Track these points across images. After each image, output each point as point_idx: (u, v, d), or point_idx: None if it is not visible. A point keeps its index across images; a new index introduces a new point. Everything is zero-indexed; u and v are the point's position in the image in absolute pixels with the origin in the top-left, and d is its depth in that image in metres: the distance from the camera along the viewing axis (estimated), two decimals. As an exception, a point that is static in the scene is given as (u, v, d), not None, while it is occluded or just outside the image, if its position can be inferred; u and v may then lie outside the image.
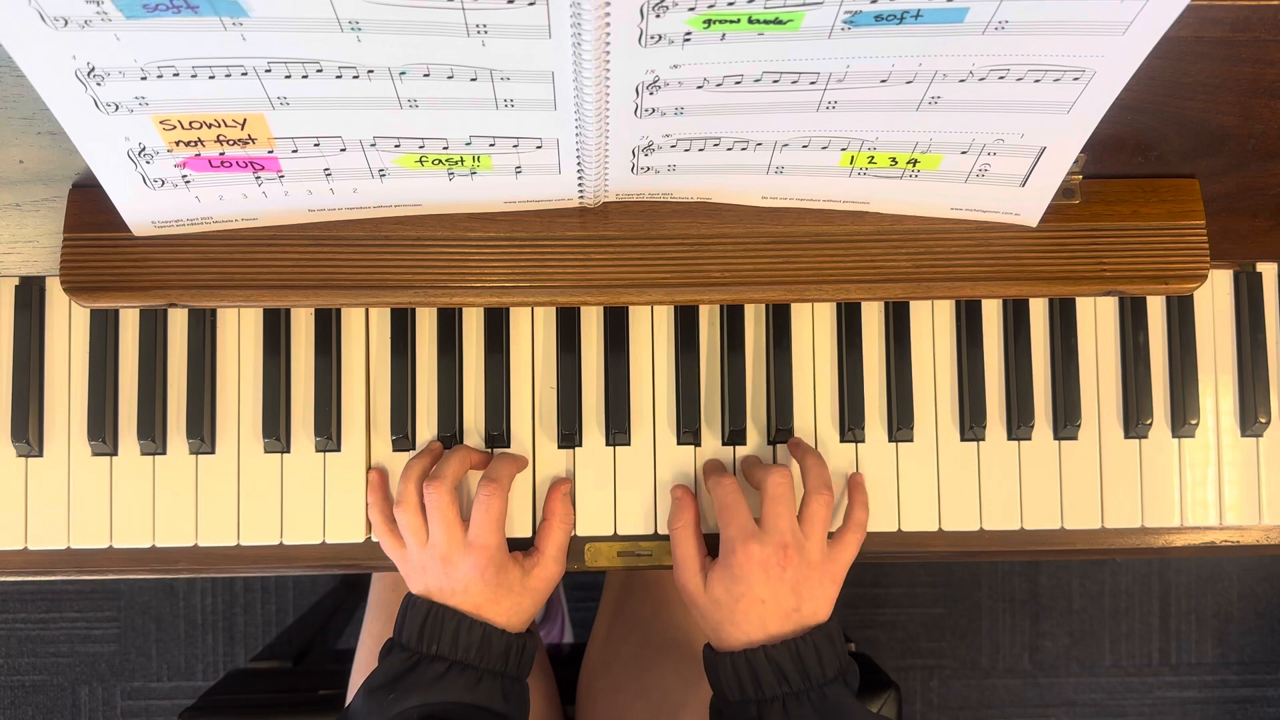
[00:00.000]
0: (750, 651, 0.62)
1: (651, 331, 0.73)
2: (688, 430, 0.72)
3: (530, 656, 0.68)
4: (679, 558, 0.68)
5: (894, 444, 0.73)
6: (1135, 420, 0.73)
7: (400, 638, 0.65)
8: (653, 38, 0.51)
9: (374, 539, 0.71)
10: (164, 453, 0.71)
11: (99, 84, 0.53)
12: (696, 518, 0.70)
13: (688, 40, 0.51)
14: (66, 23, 0.49)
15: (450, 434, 0.71)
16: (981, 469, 0.73)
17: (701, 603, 0.66)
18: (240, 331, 0.72)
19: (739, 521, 0.65)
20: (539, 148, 0.60)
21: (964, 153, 0.62)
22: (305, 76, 0.53)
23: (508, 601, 0.66)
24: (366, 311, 0.72)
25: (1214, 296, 0.74)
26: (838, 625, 0.65)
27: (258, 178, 0.61)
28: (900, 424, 0.72)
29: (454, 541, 0.66)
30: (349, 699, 0.82)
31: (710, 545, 0.69)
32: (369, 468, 0.72)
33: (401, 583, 0.81)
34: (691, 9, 0.49)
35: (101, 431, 0.71)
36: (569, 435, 0.72)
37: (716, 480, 0.67)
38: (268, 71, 0.53)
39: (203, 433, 0.71)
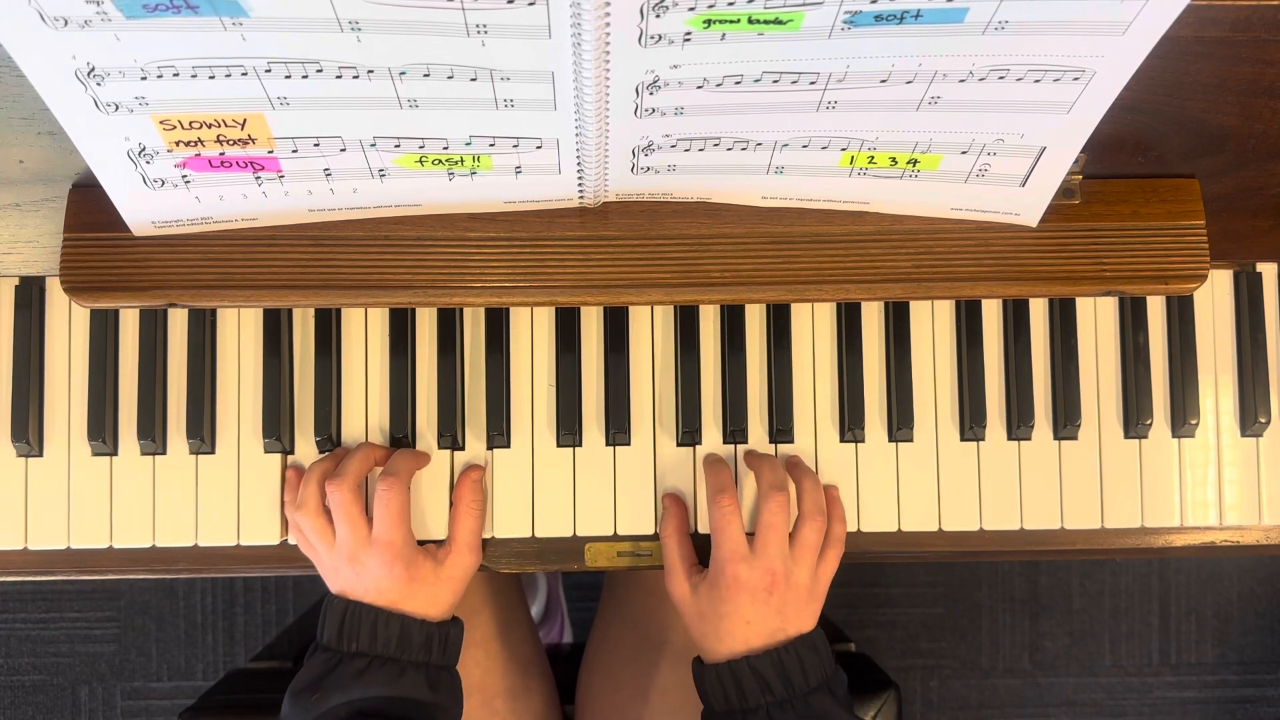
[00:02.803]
0: (734, 662, 0.63)
1: (651, 331, 0.73)
2: (688, 430, 0.72)
3: (455, 644, 0.67)
4: (667, 563, 0.69)
5: (894, 444, 0.73)
6: (1135, 420, 0.73)
7: (321, 639, 0.65)
8: (653, 38, 0.51)
9: (290, 540, 0.70)
10: (164, 453, 0.71)
11: (99, 84, 0.53)
12: (685, 524, 0.70)
13: (688, 40, 0.51)
14: (66, 23, 0.49)
15: (450, 434, 0.71)
16: (981, 469, 0.73)
17: (688, 611, 0.67)
18: (240, 331, 0.72)
19: (731, 544, 0.65)
20: (539, 148, 0.60)
21: (964, 153, 0.62)
22: (305, 76, 0.53)
23: (423, 594, 0.66)
24: (366, 311, 0.72)
25: (1214, 296, 0.74)
26: (822, 635, 0.66)
27: (258, 178, 0.61)
28: (900, 424, 0.72)
29: (359, 539, 0.65)
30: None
31: (702, 544, 0.70)
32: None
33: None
34: (691, 9, 0.49)
35: (101, 431, 0.71)
36: (569, 435, 0.72)
37: (716, 500, 0.67)
38: (268, 71, 0.53)
39: (203, 433, 0.71)
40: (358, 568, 0.65)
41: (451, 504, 0.71)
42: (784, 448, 0.73)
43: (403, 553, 0.65)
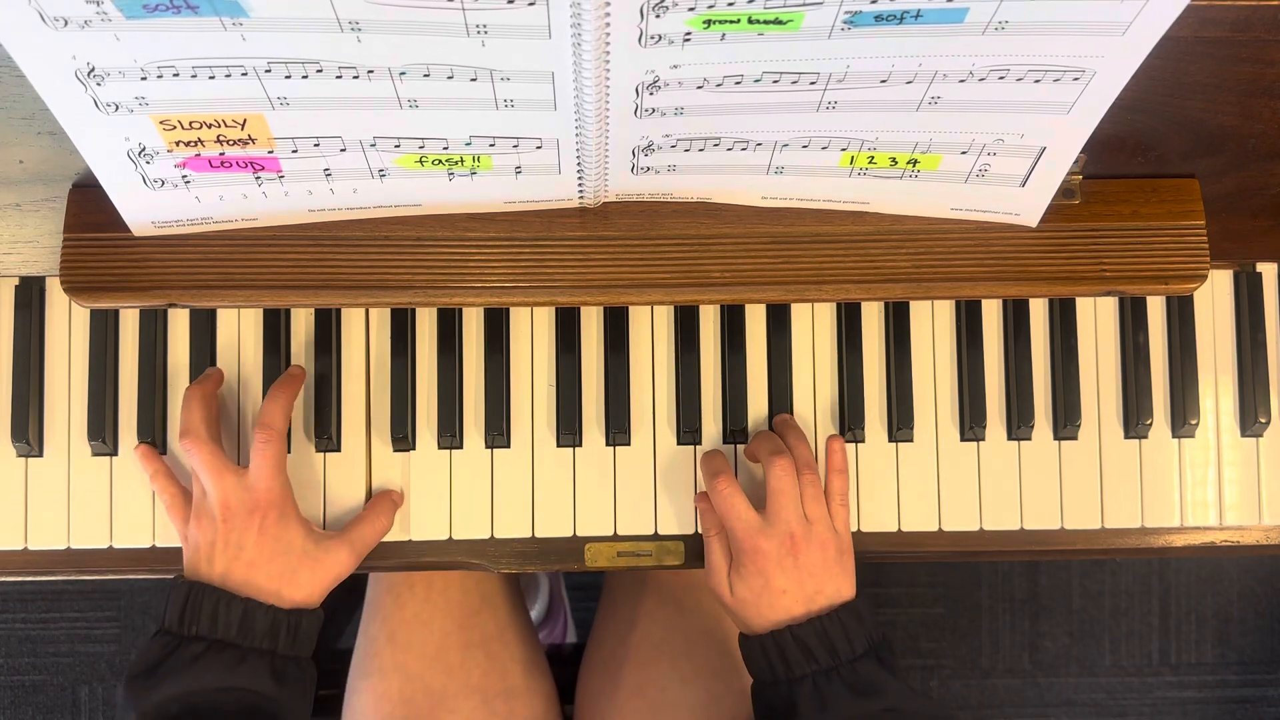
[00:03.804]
0: (777, 633, 0.63)
1: (651, 331, 0.73)
2: (688, 430, 0.72)
3: (306, 635, 0.64)
4: (711, 565, 0.68)
5: (894, 444, 0.73)
6: (1135, 420, 0.73)
7: (162, 623, 0.62)
8: (653, 38, 0.51)
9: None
10: (164, 453, 0.71)
11: (99, 84, 0.53)
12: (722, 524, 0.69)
13: (688, 40, 0.51)
14: (66, 23, 0.49)
15: (451, 434, 0.71)
16: (981, 469, 0.73)
17: (731, 605, 0.66)
18: (240, 331, 0.72)
19: (742, 521, 0.65)
20: (539, 148, 0.60)
21: (964, 153, 0.62)
22: (305, 76, 0.53)
23: (281, 563, 0.63)
24: (366, 311, 0.72)
25: (1214, 296, 0.74)
26: (866, 602, 0.65)
27: (258, 178, 0.61)
28: (900, 424, 0.72)
29: (228, 486, 0.63)
30: (346, 699, 0.82)
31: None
32: (369, 468, 0.72)
33: (398, 583, 0.81)
34: (691, 9, 0.49)
35: (101, 431, 0.71)
36: (569, 435, 0.72)
37: (712, 486, 0.67)
38: (268, 71, 0.53)
39: (203, 433, 0.71)
40: (226, 521, 0.63)
41: (364, 509, 0.70)
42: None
43: (277, 503, 0.63)
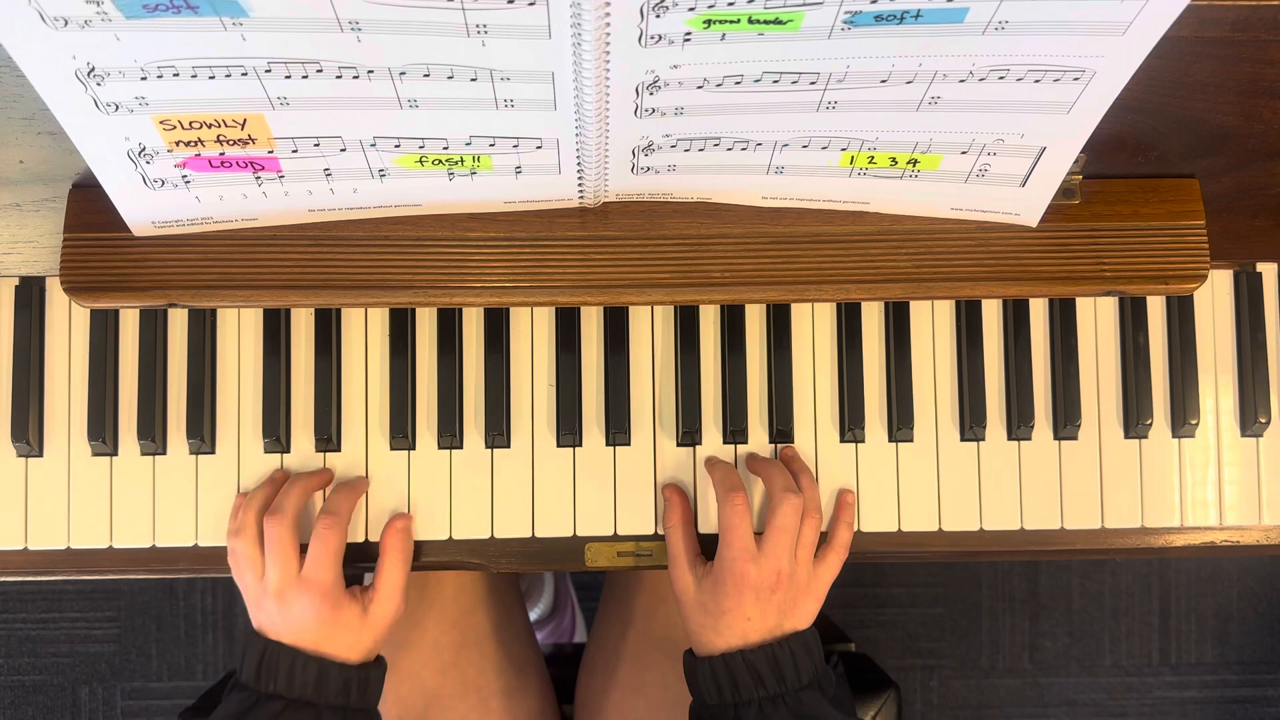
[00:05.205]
0: (729, 656, 0.64)
1: (652, 331, 0.73)
2: (688, 430, 0.72)
3: (375, 688, 0.67)
4: (672, 554, 0.69)
5: (894, 444, 0.73)
6: (1135, 420, 0.73)
7: (240, 676, 0.64)
8: (653, 38, 0.51)
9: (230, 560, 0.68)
10: (164, 453, 0.71)
11: (99, 84, 0.53)
12: (689, 514, 0.70)
13: (688, 40, 0.52)
14: (66, 23, 0.49)
15: (451, 434, 0.71)
16: (981, 469, 0.73)
17: (689, 603, 0.67)
18: (240, 331, 0.72)
19: (741, 542, 0.65)
20: (539, 148, 0.60)
21: (964, 153, 0.62)
22: (305, 76, 0.53)
23: (345, 638, 0.65)
24: (366, 311, 0.72)
25: (1214, 296, 0.74)
26: (815, 634, 0.67)
27: (258, 178, 0.61)
28: (900, 424, 0.72)
29: (288, 578, 0.64)
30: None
31: (703, 541, 0.70)
32: (368, 468, 0.72)
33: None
34: (691, 9, 0.49)
35: (101, 431, 0.71)
36: (569, 435, 0.72)
37: (728, 497, 0.67)
38: (268, 71, 0.53)
39: (203, 433, 0.71)
40: (283, 605, 0.64)
41: (380, 552, 0.69)
42: (784, 448, 0.73)
43: (330, 594, 0.65)
